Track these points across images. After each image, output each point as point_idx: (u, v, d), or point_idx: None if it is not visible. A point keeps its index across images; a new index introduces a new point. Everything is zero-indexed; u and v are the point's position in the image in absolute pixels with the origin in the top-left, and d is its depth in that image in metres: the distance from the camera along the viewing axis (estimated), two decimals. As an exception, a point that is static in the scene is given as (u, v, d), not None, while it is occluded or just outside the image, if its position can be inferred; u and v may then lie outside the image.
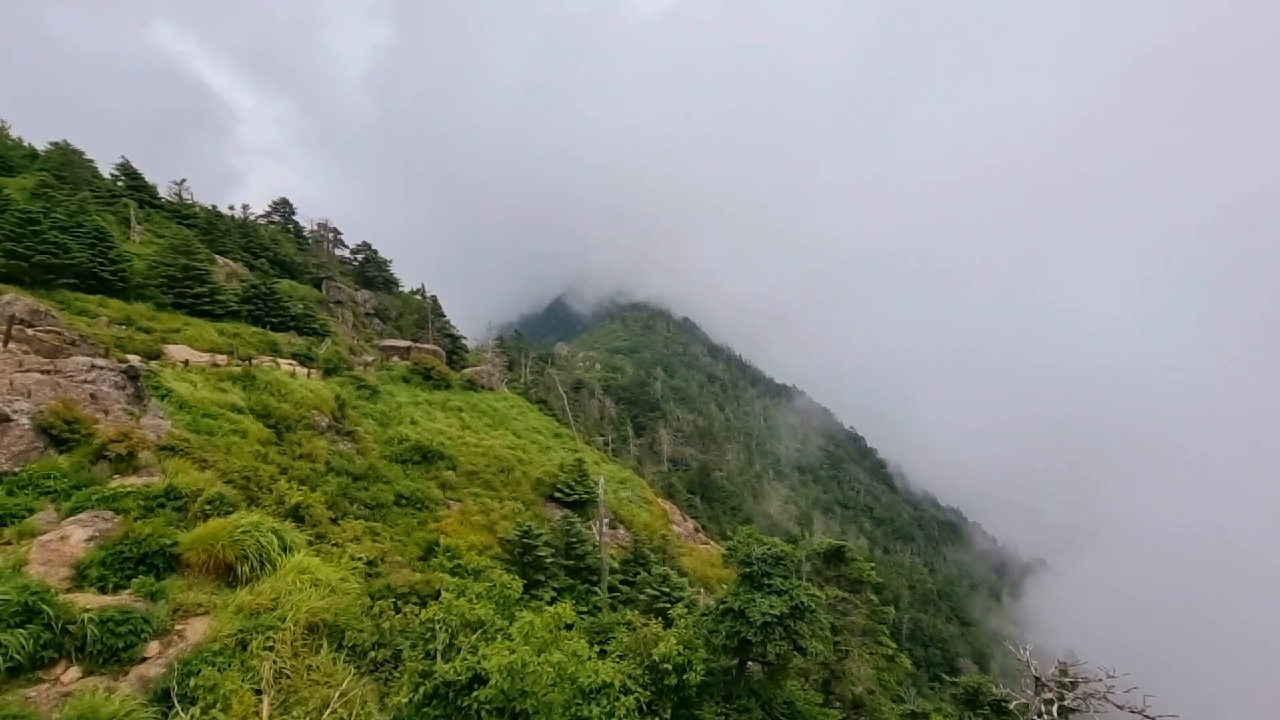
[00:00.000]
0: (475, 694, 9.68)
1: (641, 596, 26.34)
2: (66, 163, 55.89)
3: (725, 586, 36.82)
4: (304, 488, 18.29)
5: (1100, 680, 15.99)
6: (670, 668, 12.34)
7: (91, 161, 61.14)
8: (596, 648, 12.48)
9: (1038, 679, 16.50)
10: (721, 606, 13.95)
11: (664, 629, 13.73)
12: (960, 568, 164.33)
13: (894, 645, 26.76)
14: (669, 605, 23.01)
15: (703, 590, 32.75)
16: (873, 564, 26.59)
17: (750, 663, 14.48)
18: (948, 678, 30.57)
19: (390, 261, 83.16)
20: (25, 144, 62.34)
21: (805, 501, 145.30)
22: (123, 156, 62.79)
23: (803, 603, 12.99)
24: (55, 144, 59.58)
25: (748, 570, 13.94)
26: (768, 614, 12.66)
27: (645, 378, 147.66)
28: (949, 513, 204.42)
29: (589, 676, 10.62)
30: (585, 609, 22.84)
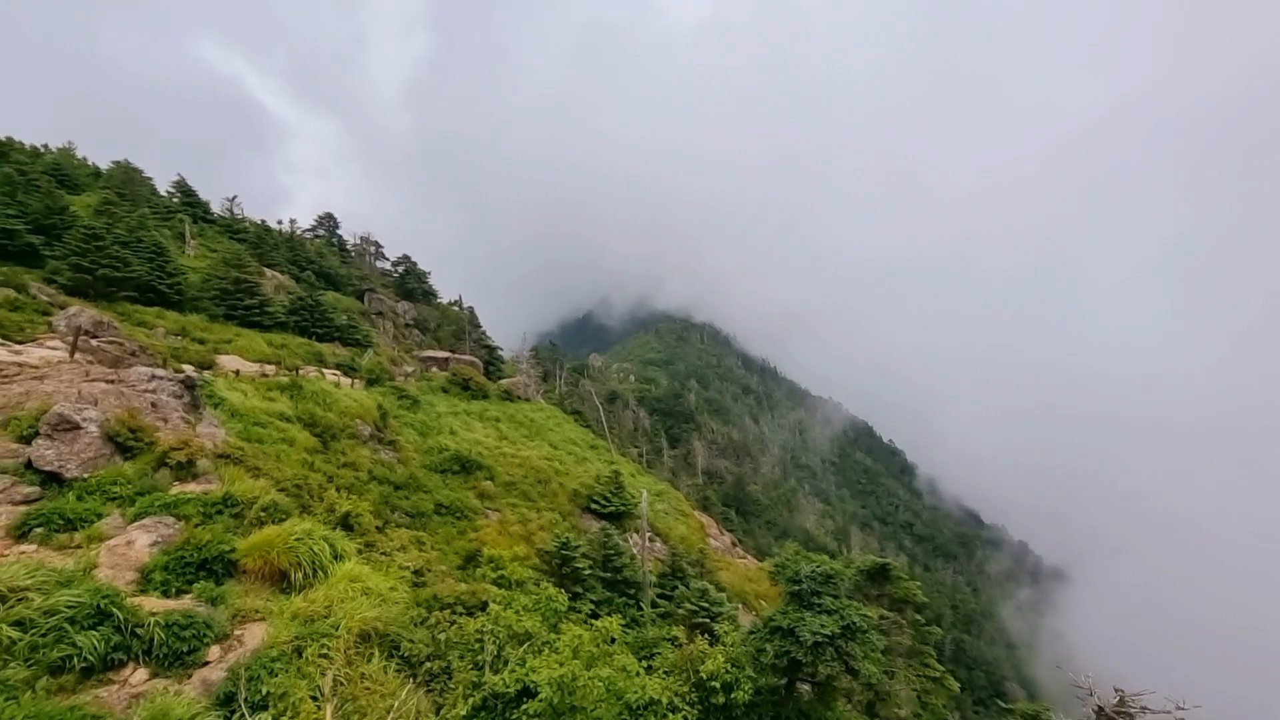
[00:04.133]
0: (524, 707, 9.62)
1: (680, 611, 26.00)
2: (127, 181, 58.71)
3: (764, 603, 36.24)
4: (353, 497, 18.59)
5: (1169, 713, 15.12)
6: (718, 686, 12.09)
7: (150, 179, 64.16)
8: (643, 663, 12.32)
9: (1100, 709, 15.69)
10: (770, 624, 13.63)
11: (709, 645, 13.49)
12: (1003, 587, 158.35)
13: (941, 667, 25.86)
14: (708, 620, 22.68)
15: (741, 606, 32.21)
16: (918, 583, 25.82)
17: (799, 682, 14.11)
18: (1001, 703, 29.36)
19: (429, 273, 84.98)
20: (89, 163, 65.79)
21: (842, 516, 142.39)
22: (179, 174, 65.72)
23: (854, 623, 12.61)
24: (117, 163, 62.71)
25: (796, 588, 13.61)
26: (818, 634, 12.31)
27: (679, 389, 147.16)
28: (993, 530, 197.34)
29: (636, 693, 10.46)
30: (625, 623, 22.65)
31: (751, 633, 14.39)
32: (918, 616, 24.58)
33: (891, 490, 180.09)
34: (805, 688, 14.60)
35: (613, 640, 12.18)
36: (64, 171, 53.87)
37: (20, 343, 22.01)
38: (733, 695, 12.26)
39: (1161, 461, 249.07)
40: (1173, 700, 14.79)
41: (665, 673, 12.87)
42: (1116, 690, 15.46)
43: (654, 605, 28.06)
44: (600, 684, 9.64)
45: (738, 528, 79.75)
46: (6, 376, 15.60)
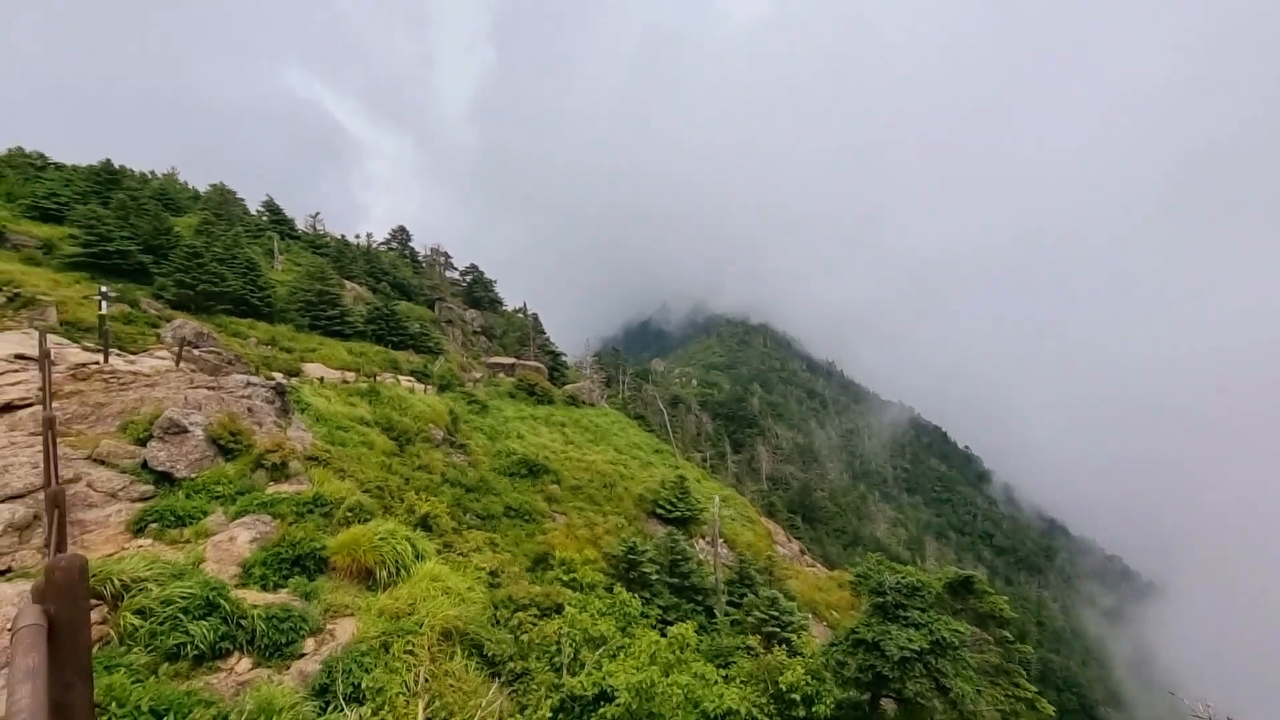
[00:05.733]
0: (601, 710, 9.59)
1: (749, 619, 25.50)
2: (223, 202, 63.24)
3: (834, 613, 35.11)
4: (431, 499, 19.20)
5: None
6: (798, 698, 11.70)
7: (242, 200, 68.95)
8: (720, 671, 12.09)
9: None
10: (852, 637, 13.10)
11: (787, 656, 13.10)
12: (1093, 602, 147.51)
13: (1032, 688, 24.20)
14: (778, 629, 22.09)
15: (811, 615, 31.30)
16: (1004, 597, 24.32)
17: (884, 699, 13.49)
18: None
19: (495, 282, 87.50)
20: (190, 187, 71.33)
21: (915, 525, 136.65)
22: (267, 195, 70.28)
23: (944, 638, 11.93)
24: (214, 186, 67.68)
25: (880, 600, 13.02)
26: (906, 648, 11.73)
27: (742, 394, 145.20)
28: (1081, 541, 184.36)
29: (714, 701, 10.26)
30: (695, 629, 22.41)
31: (832, 645, 13.88)
32: (1005, 633, 23.11)
33: (968, 498, 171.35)
34: (890, 705, 13.95)
35: (685, 647, 12.01)
36: (169, 195, 58.61)
37: (134, 353, 23.90)
38: (814, 709, 11.83)
39: (1272, 466, 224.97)
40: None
41: (742, 682, 12.58)
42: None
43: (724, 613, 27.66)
44: (678, 691, 9.49)
45: (804, 535, 77.78)
46: (123, 384, 16.92)
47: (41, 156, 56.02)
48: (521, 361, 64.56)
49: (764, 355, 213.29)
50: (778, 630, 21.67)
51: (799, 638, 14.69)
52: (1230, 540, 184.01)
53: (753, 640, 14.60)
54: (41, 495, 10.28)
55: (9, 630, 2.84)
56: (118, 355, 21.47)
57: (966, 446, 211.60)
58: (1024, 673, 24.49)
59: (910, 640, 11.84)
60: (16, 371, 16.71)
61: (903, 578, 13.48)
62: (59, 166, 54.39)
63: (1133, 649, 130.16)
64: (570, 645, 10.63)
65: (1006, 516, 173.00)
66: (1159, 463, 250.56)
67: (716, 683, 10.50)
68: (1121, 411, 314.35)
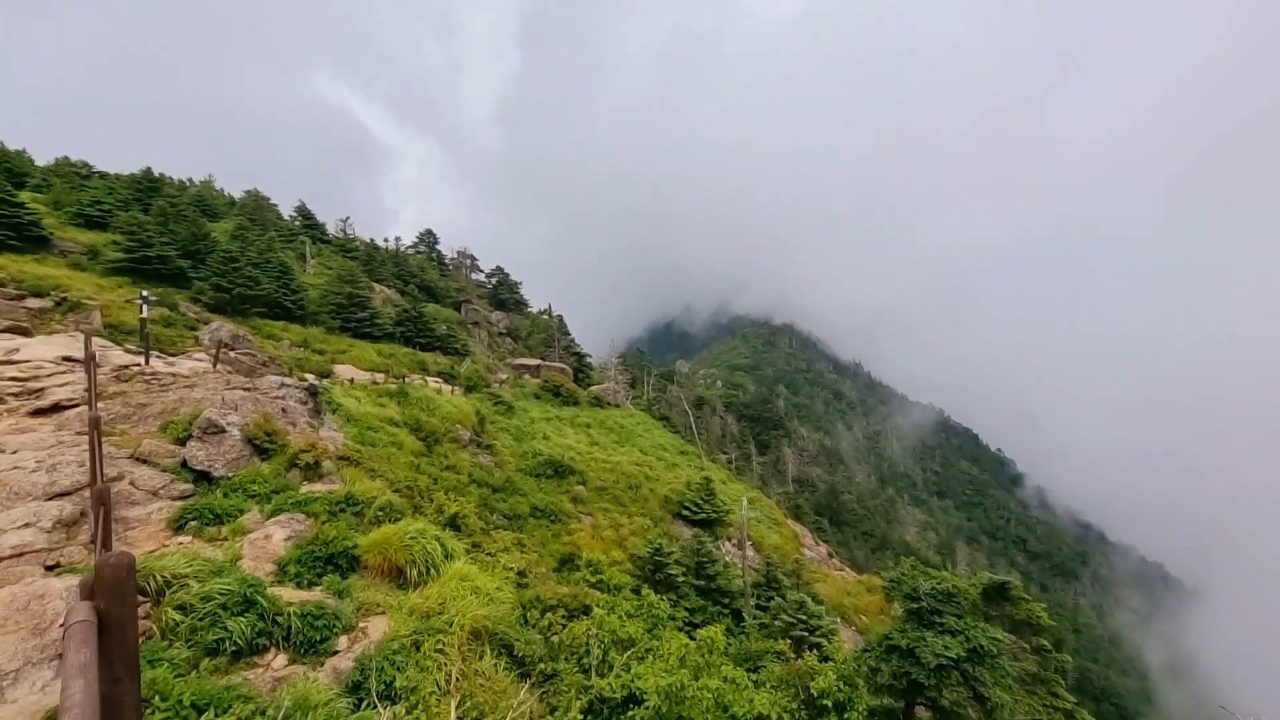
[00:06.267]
0: (630, 713, 9.54)
1: (776, 623, 25.23)
2: (257, 208, 64.82)
3: (864, 617, 34.57)
4: (460, 499, 19.38)
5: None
6: (830, 704, 11.49)
7: (275, 205, 70.61)
8: (750, 675, 11.95)
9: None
10: (886, 643, 12.84)
11: (818, 661, 12.88)
12: (1132, 610, 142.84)
13: (1071, 698, 23.53)
14: (806, 634, 21.82)
15: (840, 620, 30.86)
16: (1042, 604, 23.69)
17: (918, 707, 13.20)
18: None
19: (520, 284, 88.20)
20: (225, 194, 73.29)
21: (945, 529, 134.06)
22: (299, 200, 71.94)
23: (982, 645, 11.61)
24: (248, 192, 69.42)
25: (915, 606, 12.73)
26: (942, 655, 11.44)
27: (768, 395, 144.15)
28: (1119, 547, 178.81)
29: (745, 706, 10.13)
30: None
31: (865, 650, 13.62)
32: (1042, 641, 22.52)
33: (1001, 502, 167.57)
34: (925, 713, 13.64)
35: (713, 650, 11.90)
36: (206, 201, 60.26)
37: (173, 355, 24.59)
38: (846, 716, 11.61)
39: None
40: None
41: (772, 687, 12.41)
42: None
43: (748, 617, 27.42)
44: (708, 695, 9.39)
45: (831, 538, 76.85)
46: (164, 385, 17.40)
47: (86, 165, 58.11)
48: (547, 363, 64.95)
49: (789, 356, 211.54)
50: (806, 635, 21.40)
51: (830, 643, 14.43)
52: (1275, 543, 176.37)
53: (783, 645, 14.39)
54: (88, 493, 10.60)
55: (61, 625, 2.90)
56: (158, 357, 22.10)
57: (999, 449, 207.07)
58: (1062, 682, 23.84)
59: (946, 647, 11.54)
60: (64, 373, 17.30)
61: (938, 583, 13.16)
62: (103, 175, 56.34)
63: (1173, 657, 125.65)
64: (599, 647, 10.60)
65: (1040, 521, 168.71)
66: (1198, 462, 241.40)
67: (747, 687, 10.37)
68: (1159, 409, 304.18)
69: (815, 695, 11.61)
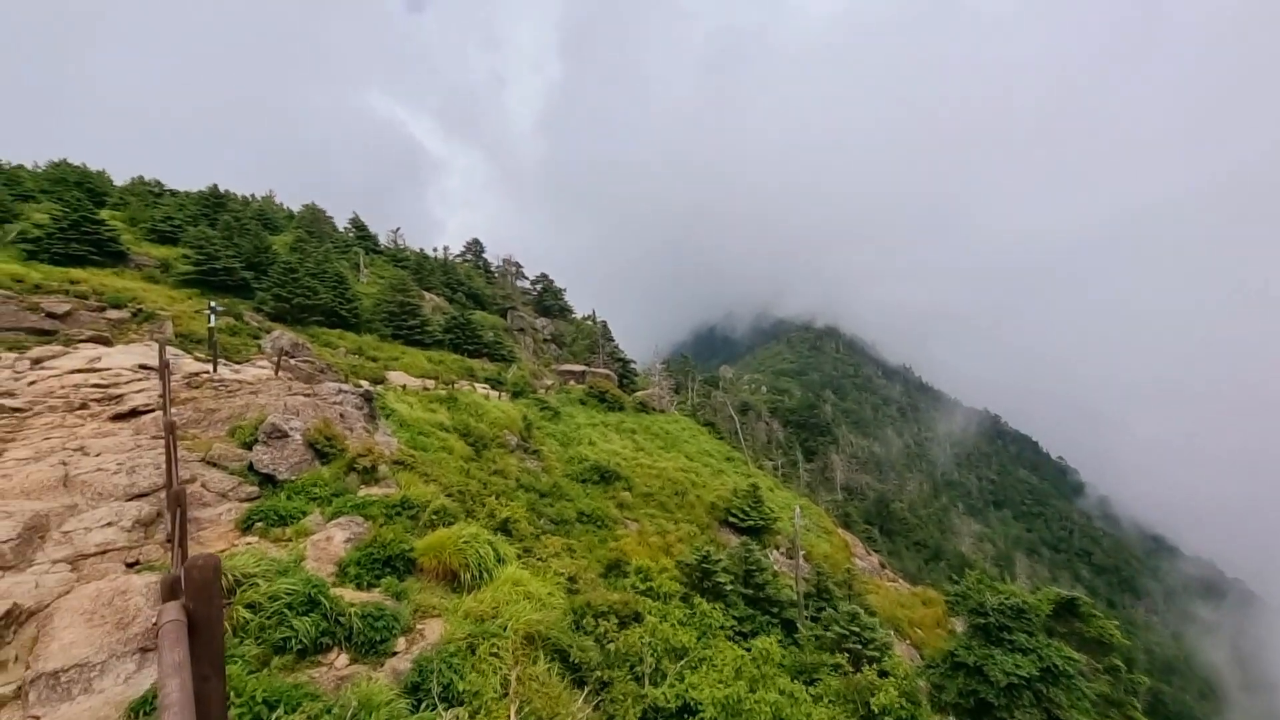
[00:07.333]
0: (685, 724, 9.39)
1: (828, 634, 24.58)
2: (314, 221, 67.50)
3: (919, 630, 33.35)
4: (511, 504, 19.60)
5: None
6: (891, 721, 11.08)
7: (331, 218, 73.35)
8: (810, 690, 11.62)
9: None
10: (952, 660, 12.30)
11: (877, 676, 12.43)
12: (1209, 630, 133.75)
13: (1148, 723, 22.15)
14: (859, 646, 21.17)
15: (894, 633, 29.88)
16: (1114, 621, 22.38)
17: (985, 727, 12.58)
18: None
19: (564, 290, 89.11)
20: (285, 208, 76.60)
21: (1004, 540, 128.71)
22: (354, 212, 74.61)
23: (1056, 665, 10.97)
24: (306, 206, 72.36)
25: (982, 621, 12.15)
26: (1013, 674, 10.87)
27: (814, 400, 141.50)
28: (1196, 562, 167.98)
29: (802, 720, 9.86)
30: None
31: (929, 666, 13.09)
32: (1115, 660, 21.28)
33: (1063, 513, 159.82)
34: (993, 734, 13.00)
35: (767, 661, 11.63)
36: (267, 215, 63.16)
37: (239, 363, 25.73)
38: (907, 734, 11.17)
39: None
40: None
41: (830, 701, 12.04)
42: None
43: (799, 627, 26.81)
44: (767, 708, 9.15)
45: (882, 548, 74.75)
46: (230, 391, 18.18)
47: (159, 184, 61.69)
48: (592, 369, 65.34)
49: (836, 361, 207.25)
50: (859, 647, 20.77)
51: (887, 657, 13.93)
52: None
53: (839, 658, 13.97)
54: (164, 494, 11.10)
55: (154, 625, 2.97)
56: (225, 364, 23.16)
57: (1060, 457, 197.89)
58: (1137, 704, 22.45)
59: (1018, 666, 10.93)
60: (140, 380, 18.27)
61: (1006, 598, 12.51)
62: (173, 192, 59.74)
63: (1255, 681, 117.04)
64: (652, 655, 10.49)
65: (1106, 533, 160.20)
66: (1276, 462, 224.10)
67: (804, 701, 10.08)
68: (1233, 404, 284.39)
69: (876, 712, 11.18)
